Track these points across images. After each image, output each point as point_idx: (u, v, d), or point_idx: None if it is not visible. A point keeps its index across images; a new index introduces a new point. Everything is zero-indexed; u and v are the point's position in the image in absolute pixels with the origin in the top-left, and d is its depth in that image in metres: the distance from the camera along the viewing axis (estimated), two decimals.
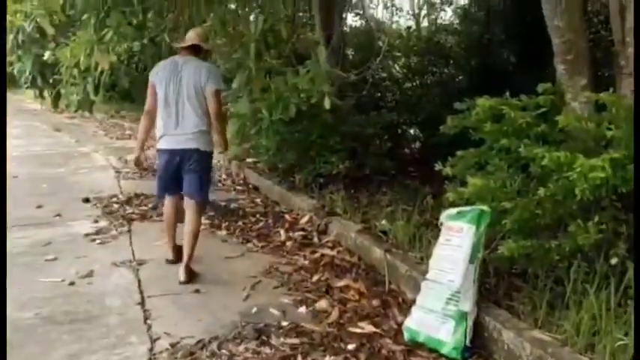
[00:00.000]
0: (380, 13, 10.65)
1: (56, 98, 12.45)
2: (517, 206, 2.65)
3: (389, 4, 9.92)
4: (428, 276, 2.71)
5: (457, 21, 8.23)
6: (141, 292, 3.31)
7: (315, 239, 4.30)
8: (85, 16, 5.31)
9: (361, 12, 8.48)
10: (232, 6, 5.47)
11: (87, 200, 5.48)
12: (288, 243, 4.22)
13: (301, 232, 4.44)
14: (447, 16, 9.33)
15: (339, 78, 4.80)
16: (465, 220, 2.64)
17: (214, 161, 3.93)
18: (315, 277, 3.53)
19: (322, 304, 3.08)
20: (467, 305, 2.56)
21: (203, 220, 4.65)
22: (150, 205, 5.21)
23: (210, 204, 5.23)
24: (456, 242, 2.62)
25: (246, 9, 5.05)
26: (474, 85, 5.76)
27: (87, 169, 7.31)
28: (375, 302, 3.13)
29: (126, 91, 15.61)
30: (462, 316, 2.54)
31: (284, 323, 2.90)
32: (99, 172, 7.12)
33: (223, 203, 5.43)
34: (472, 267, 2.60)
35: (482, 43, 7.14)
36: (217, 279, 3.53)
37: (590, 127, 2.70)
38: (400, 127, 7.06)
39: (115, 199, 5.52)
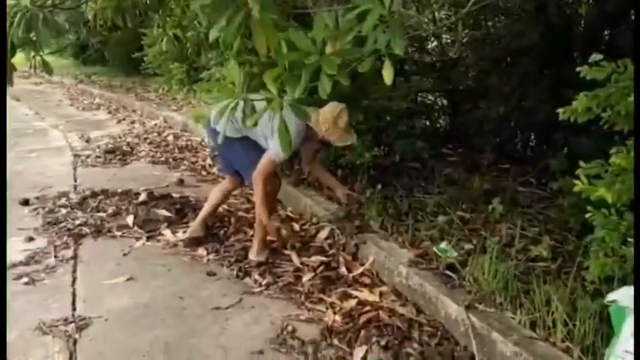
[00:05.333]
0: None
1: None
2: None
3: None
4: None
5: None
6: None
7: (343, 269, 2.97)
8: None
9: None
10: None
11: (26, 202, 4.07)
12: (305, 278, 2.89)
13: (320, 257, 3.11)
14: None
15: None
16: None
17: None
18: (358, 354, 2.21)
19: None
20: None
21: (180, 236, 3.34)
22: None
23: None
24: None
25: None
26: (537, 47, 4.33)
27: (38, 151, 5.86)
28: None
29: (98, 53, 14.01)
30: None
31: None
32: (53, 156, 5.68)
33: None
34: None
35: None
36: None
37: None
38: (428, 98, 5.70)
39: (64, 200, 4.12)
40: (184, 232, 3.48)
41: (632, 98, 1.87)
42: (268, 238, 3.21)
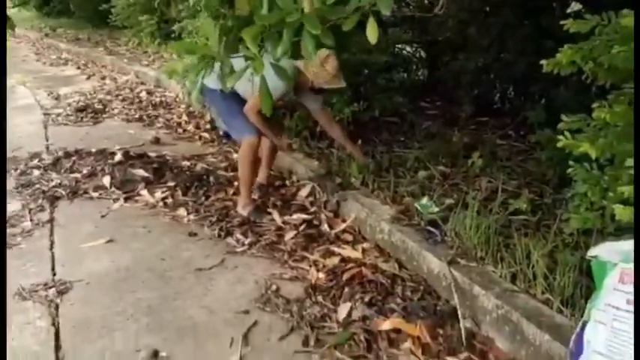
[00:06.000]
0: None
1: None
2: None
3: None
4: None
5: None
6: None
7: (325, 227, 2.97)
8: None
9: None
10: None
11: None
12: (288, 236, 2.88)
13: (303, 215, 3.10)
14: None
15: None
16: None
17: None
18: (342, 311, 2.24)
19: None
20: None
21: (159, 196, 3.30)
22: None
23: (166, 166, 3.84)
24: None
25: None
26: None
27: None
28: None
29: (63, 4, 13.40)
30: None
31: None
32: (21, 114, 5.49)
33: (186, 163, 3.99)
34: None
35: None
36: (185, 323, 2.21)
37: None
38: (406, 50, 5.61)
39: (36, 162, 4.00)
40: (163, 191, 3.43)
41: (615, 51, 1.84)
42: (253, 196, 3.23)
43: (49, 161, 3.99)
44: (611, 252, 1.49)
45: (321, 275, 2.50)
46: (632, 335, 1.37)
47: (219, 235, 2.93)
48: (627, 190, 1.58)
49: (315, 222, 3.04)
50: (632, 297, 1.40)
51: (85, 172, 3.79)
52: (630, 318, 1.38)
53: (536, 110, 3.83)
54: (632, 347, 1.36)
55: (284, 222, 3.04)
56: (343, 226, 2.94)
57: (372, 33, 1.46)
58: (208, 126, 4.93)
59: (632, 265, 1.42)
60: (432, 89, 5.39)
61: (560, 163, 2.86)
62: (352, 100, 4.00)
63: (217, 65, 2.97)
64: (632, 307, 1.39)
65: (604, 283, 1.48)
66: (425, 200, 2.83)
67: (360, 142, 3.78)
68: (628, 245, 1.45)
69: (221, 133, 4.65)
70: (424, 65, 5.70)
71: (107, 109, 5.66)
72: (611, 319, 1.42)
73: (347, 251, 2.70)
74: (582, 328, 1.50)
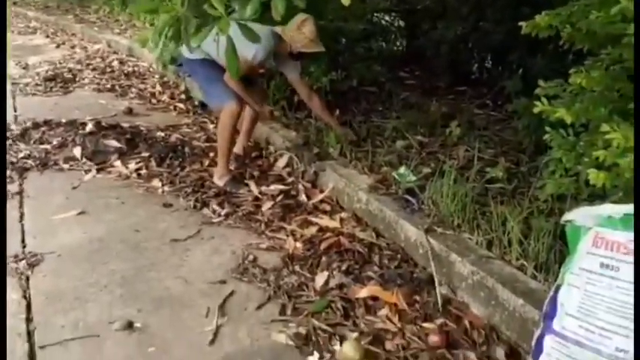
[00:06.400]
0: None
1: None
2: None
3: None
4: (560, 327, 1.46)
5: None
6: (29, 335, 1.93)
7: (303, 197, 2.95)
8: None
9: None
10: None
11: None
12: (265, 206, 2.85)
13: (280, 186, 3.07)
14: None
15: None
16: None
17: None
18: (319, 280, 2.23)
19: (346, 348, 1.82)
20: None
21: (132, 167, 3.23)
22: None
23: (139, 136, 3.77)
24: (629, 275, 1.36)
25: None
26: None
27: None
28: (434, 337, 1.89)
29: None
30: None
31: None
32: None
33: (161, 134, 3.91)
34: None
35: None
36: (160, 293, 2.18)
37: None
38: (385, 19, 5.54)
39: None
40: (137, 162, 3.36)
41: (593, 16, 1.82)
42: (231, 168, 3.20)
43: (17, 132, 3.86)
44: (586, 216, 1.49)
45: (299, 245, 2.49)
46: (603, 297, 1.39)
47: (195, 207, 2.88)
48: (601, 155, 1.58)
49: (293, 192, 3.01)
50: (605, 260, 1.41)
51: (54, 143, 3.68)
52: (602, 281, 1.40)
53: (514, 80, 3.83)
54: (604, 309, 1.38)
55: (261, 192, 3.01)
56: (321, 196, 2.92)
57: None
58: (183, 96, 4.83)
59: (605, 229, 1.43)
60: (411, 59, 5.35)
61: (536, 130, 2.86)
62: (330, 69, 3.94)
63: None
64: (605, 271, 1.40)
65: (578, 247, 1.49)
66: (402, 169, 2.82)
67: (338, 112, 3.75)
68: (602, 210, 1.46)
69: (196, 103, 4.57)
70: (403, 34, 5.64)
71: (77, 79, 5.49)
72: (585, 283, 1.43)
73: (324, 221, 2.69)
74: (556, 292, 1.51)
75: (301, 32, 2.94)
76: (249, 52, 2.78)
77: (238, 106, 2.98)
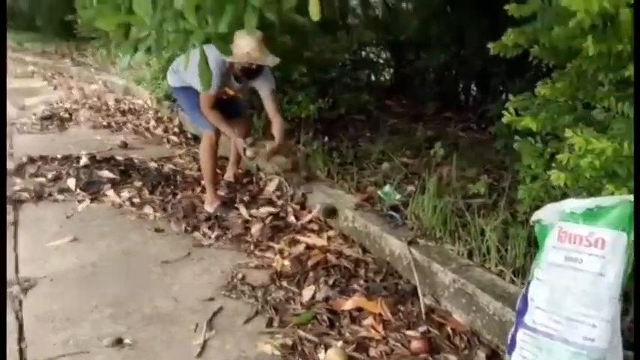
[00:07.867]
0: None
1: None
2: None
3: None
4: (531, 321, 1.52)
5: None
6: (21, 353, 1.96)
7: (292, 218, 3.02)
8: None
9: None
10: None
11: None
12: (254, 228, 2.92)
13: (270, 208, 3.14)
14: None
15: None
16: (608, 223, 1.43)
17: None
18: (306, 293, 2.28)
19: (331, 355, 1.86)
20: None
21: (125, 196, 3.30)
22: None
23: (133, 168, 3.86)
24: (591, 266, 1.42)
25: None
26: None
27: None
28: (416, 344, 1.93)
29: (28, 18, 13.23)
30: None
31: None
32: None
33: (154, 165, 4.00)
34: (618, 308, 1.42)
35: None
36: (151, 311, 2.22)
37: None
38: (372, 51, 5.73)
39: None
40: (130, 191, 3.43)
41: (554, 33, 1.94)
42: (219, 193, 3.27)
43: (12, 168, 3.94)
44: (553, 213, 1.57)
45: (287, 262, 2.54)
46: (569, 289, 1.45)
47: (186, 230, 2.95)
48: (565, 157, 1.67)
49: (282, 214, 3.08)
50: (570, 253, 1.48)
51: (50, 176, 3.75)
52: (566, 273, 1.46)
53: (496, 103, 3.95)
54: (570, 300, 1.44)
55: (251, 215, 3.08)
56: (309, 216, 2.99)
57: (314, 8, 1.50)
58: (177, 129, 4.95)
59: (568, 224, 1.50)
60: (398, 88, 5.50)
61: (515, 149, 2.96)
62: (317, 97, 4.07)
63: (175, 62, 2.98)
64: (569, 263, 1.47)
65: (545, 243, 1.56)
66: (387, 188, 2.90)
67: (326, 138, 3.85)
68: (565, 205, 1.54)
69: (189, 135, 4.68)
70: (390, 65, 5.82)
71: (74, 117, 5.62)
72: (551, 276, 1.50)
73: (312, 239, 2.76)
74: (527, 288, 1.57)
75: (237, 47, 2.80)
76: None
77: (215, 134, 3.10)
